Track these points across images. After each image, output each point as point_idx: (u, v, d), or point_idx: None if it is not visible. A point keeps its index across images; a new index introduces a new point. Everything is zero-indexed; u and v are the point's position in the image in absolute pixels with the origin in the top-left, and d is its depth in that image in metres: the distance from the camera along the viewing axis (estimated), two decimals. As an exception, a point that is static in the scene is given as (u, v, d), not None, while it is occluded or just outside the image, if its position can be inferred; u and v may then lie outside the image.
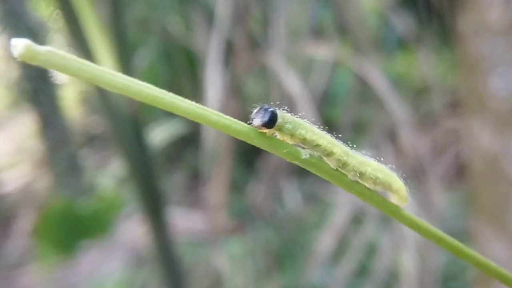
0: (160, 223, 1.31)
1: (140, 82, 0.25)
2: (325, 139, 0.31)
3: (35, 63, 0.22)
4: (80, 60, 0.23)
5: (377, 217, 1.49)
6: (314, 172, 0.31)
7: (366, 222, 1.51)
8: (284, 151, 0.29)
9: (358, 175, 0.32)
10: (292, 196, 1.74)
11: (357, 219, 1.56)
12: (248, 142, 0.28)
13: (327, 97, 1.72)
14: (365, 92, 1.54)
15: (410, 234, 1.32)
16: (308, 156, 0.30)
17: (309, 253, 1.59)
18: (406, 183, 0.34)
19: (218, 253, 1.62)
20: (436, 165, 1.55)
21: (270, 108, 0.29)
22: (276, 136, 0.29)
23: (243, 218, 1.87)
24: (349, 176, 0.32)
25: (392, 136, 1.47)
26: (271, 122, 0.29)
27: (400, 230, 1.36)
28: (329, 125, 1.84)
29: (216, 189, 1.47)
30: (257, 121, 0.28)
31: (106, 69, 0.24)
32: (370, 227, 1.50)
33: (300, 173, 1.80)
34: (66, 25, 1.16)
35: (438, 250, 1.36)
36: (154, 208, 1.29)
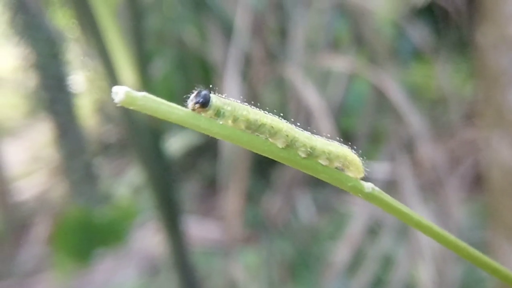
0: (176, 231, 1.32)
1: (221, 124, 0.29)
2: (268, 117, 0.31)
3: (132, 107, 0.26)
4: (170, 104, 0.27)
5: (393, 228, 1.48)
6: (377, 205, 0.31)
7: (382, 233, 1.51)
8: (349, 184, 0.30)
9: (310, 150, 0.32)
10: (306, 207, 1.73)
11: (373, 231, 1.55)
12: (315, 175, 0.30)
13: (344, 107, 1.72)
14: (381, 103, 1.54)
15: (427, 246, 1.31)
16: (371, 190, 0.30)
17: (324, 264, 1.59)
18: (359, 155, 0.34)
19: (233, 263, 1.62)
20: (453, 176, 1.54)
21: (205, 91, 0.30)
22: (218, 120, 0.30)
23: (256, 228, 1.87)
24: (300, 153, 0.32)
25: (408, 147, 1.46)
26: (205, 102, 0.29)
27: (417, 241, 1.35)
28: (346, 136, 1.84)
29: (232, 199, 1.48)
30: (191, 102, 0.29)
31: (189, 112, 0.28)
32: (386, 239, 1.49)
33: (314, 184, 1.80)
34: (88, 35, 1.18)
35: (456, 261, 1.35)
36: (170, 216, 1.30)
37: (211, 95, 0.30)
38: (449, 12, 1.65)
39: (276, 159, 0.31)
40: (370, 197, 0.31)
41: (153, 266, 2.10)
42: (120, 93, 0.26)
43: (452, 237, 0.32)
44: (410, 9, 1.93)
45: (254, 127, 0.31)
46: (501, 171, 1.01)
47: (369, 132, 1.62)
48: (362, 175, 0.33)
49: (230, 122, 0.31)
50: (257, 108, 0.32)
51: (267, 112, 0.32)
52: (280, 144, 0.32)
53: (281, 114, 0.33)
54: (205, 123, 0.29)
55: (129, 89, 0.26)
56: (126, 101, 0.26)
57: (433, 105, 2.14)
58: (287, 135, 0.32)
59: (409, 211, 0.32)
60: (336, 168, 0.33)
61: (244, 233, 1.73)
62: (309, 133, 0.33)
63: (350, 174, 0.33)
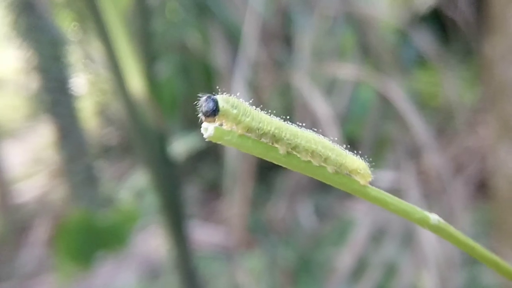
0: (180, 235, 1.32)
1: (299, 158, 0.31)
2: (272, 125, 0.32)
3: (220, 142, 0.29)
4: (252, 139, 0.31)
5: (397, 236, 1.49)
6: (442, 237, 0.32)
7: (386, 241, 1.51)
8: (416, 217, 0.31)
9: (310, 154, 0.33)
10: (309, 213, 1.74)
11: (375, 238, 1.56)
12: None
13: (349, 114, 1.73)
14: (386, 110, 1.54)
15: (430, 254, 1.32)
16: (437, 222, 0.31)
17: (326, 271, 1.59)
18: (366, 161, 0.34)
19: (235, 267, 1.62)
20: (457, 184, 1.55)
21: (212, 96, 0.31)
22: (223, 125, 0.31)
23: (259, 233, 1.88)
24: (301, 157, 0.33)
25: (413, 155, 1.47)
26: (214, 111, 0.30)
27: (420, 249, 1.35)
28: (351, 143, 1.83)
29: (236, 204, 1.48)
30: (202, 115, 0.30)
31: (269, 146, 0.31)
32: (389, 246, 1.49)
33: (317, 190, 1.81)
34: (96, 38, 1.18)
35: (459, 269, 1.36)
36: (175, 220, 1.31)
37: (219, 100, 0.31)
38: (455, 21, 1.66)
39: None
40: (436, 229, 0.32)
41: (154, 270, 2.10)
42: (209, 129, 0.29)
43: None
44: (414, 16, 1.94)
45: (255, 134, 0.31)
46: (508, 181, 1.01)
47: (374, 140, 1.62)
48: (369, 180, 0.34)
49: (234, 126, 0.31)
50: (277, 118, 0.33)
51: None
52: (282, 150, 0.32)
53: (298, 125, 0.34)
54: (284, 156, 0.32)
55: (218, 126, 0.29)
56: (215, 136, 0.29)
57: (436, 112, 2.15)
58: (289, 143, 0.32)
59: (474, 244, 0.32)
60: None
61: (247, 238, 1.73)
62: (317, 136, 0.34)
63: (358, 179, 0.34)
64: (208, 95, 0.31)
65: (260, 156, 0.30)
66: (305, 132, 0.33)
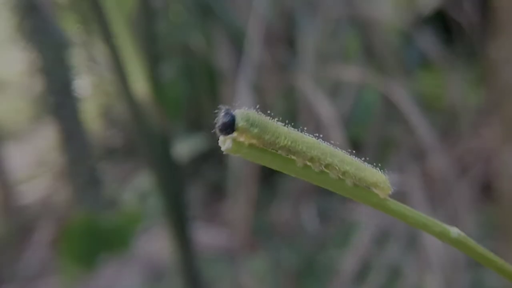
0: (184, 237, 1.32)
1: (319, 172, 0.32)
2: (288, 138, 0.31)
3: (238, 154, 0.30)
4: (270, 153, 0.31)
5: (401, 238, 1.48)
6: (462, 250, 0.32)
7: (390, 243, 1.51)
8: (437, 230, 0.31)
9: (325, 167, 0.33)
10: (313, 215, 1.73)
11: (380, 241, 1.55)
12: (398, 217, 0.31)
13: (353, 117, 1.73)
14: (390, 112, 1.54)
15: (435, 256, 1.32)
16: (457, 235, 0.31)
17: (330, 274, 1.58)
18: (385, 174, 0.34)
19: (239, 270, 1.62)
20: (461, 186, 1.55)
21: (230, 112, 0.30)
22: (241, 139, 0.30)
23: (262, 235, 1.87)
24: (314, 168, 0.32)
25: (417, 156, 1.47)
26: (229, 128, 0.29)
27: (425, 252, 1.35)
28: (355, 145, 1.84)
29: (240, 206, 1.48)
30: (218, 132, 0.29)
31: (288, 159, 0.31)
32: (394, 249, 1.49)
33: (321, 192, 1.80)
34: (100, 40, 1.18)
35: (464, 272, 1.35)
36: (179, 222, 1.30)
37: (237, 115, 0.30)
38: (459, 22, 1.66)
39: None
40: (456, 242, 0.32)
41: (157, 272, 2.10)
42: (227, 142, 0.29)
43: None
44: (418, 18, 1.94)
45: (272, 147, 0.31)
46: (513, 184, 1.01)
47: (378, 142, 1.62)
48: (387, 193, 0.34)
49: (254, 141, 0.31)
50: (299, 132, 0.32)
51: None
52: (299, 163, 0.32)
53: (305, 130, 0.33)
54: (302, 169, 0.32)
55: (235, 138, 0.29)
56: (233, 149, 0.29)
57: (440, 114, 2.14)
58: (304, 155, 0.32)
59: (496, 257, 0.32)
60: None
61: (250, 240, 1.73)
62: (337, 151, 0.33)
63: (377, 192, 0.34)
64: (226, 108, 0.30)
65: (279, 170, 0.30)
66: (322, 145, 0.33)
